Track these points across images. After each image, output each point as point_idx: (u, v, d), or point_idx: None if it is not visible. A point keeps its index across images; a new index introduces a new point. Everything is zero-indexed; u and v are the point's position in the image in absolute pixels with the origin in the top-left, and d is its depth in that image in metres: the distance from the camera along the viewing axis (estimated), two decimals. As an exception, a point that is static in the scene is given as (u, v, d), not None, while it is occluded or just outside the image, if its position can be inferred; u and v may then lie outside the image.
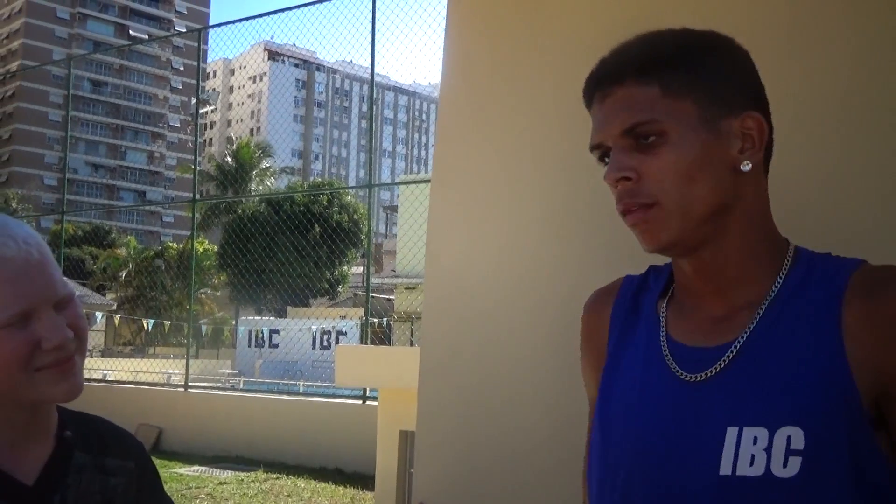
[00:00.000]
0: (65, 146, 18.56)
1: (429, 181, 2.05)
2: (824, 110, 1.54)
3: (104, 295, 35.60)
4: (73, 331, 1.14)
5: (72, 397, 1.17)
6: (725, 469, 0.99)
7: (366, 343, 11.80)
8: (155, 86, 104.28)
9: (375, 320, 17.18)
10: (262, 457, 10.52)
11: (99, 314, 25.21)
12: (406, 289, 19.98)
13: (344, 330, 21.02)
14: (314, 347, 21.60)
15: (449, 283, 1.93)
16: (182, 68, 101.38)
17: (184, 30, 79.36)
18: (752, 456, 0.98)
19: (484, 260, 1.85)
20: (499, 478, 1.77)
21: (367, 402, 10.09)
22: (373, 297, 14.28)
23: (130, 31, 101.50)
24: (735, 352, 1.05)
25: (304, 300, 29.51)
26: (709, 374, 1.05)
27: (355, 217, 36.79)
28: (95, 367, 17.26)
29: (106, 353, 26.28)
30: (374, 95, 12.87)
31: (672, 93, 1.04)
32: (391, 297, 23.21)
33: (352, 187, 62.24)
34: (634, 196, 1.05)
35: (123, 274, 37.90)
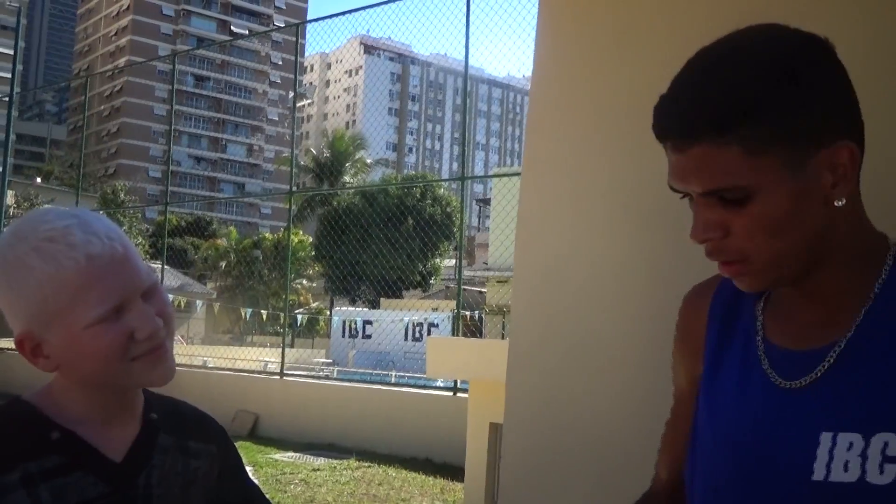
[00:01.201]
0: (169, 139, 19.20)
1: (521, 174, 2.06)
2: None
3: (205, 284, 36.68)
4: (161, 318, 1.18)
5: (166, 381, 1.21)
6: (819, 475, 0.97)
7: (457, 335, 11.85)
8: (255, 80, 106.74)
9: (467, 313, 17.23)
10: (355, 445, 10.69)
11: (200, 302, 26.00)
12: (498, 282, 19.99)
13: (436, 322, 21.14)
14: (406, 339, 21.79)
15: (538, 277, 1.93)
16: (281, 63, 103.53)
17: (282, 25, 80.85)
18: (847, 462, 0.96)
19: (573, 253, 1.85)
20: (585, 470, 1.77)
21: (458, 394, 10.13)
22: (465, 289, 14.33)
23: (232, 27, 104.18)
24: (833, 357, 1.01)
25: (397, 292, 29.83)
26: (806, 382, 1.02)
27: (448, 210, 36.98)
28: (196, 354, 17.79)
29: (206, 341, 27.06)
30: (468, 88, 12.89)
31: (755, 150, 0.96)
32: (483, 289, 23.26)
33: (445, 180, 62.60)
34: (723, 253, 1.02)
35: (223, 264, 38.94)
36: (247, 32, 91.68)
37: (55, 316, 1.12)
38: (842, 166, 0.98)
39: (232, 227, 51.56)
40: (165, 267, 17.22)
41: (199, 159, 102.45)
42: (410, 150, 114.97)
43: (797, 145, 0.96)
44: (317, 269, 37.81)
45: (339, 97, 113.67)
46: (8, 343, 16.52)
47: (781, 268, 1.01)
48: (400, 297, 29.57)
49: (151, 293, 1.18)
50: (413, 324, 21.87)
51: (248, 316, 26.04)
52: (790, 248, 0.99)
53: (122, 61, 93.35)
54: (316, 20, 24.36)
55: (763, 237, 0.98)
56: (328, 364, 21.32)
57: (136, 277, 1.16)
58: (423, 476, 9.28)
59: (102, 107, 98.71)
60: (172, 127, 18.82)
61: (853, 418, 0.97)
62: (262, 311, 26.93)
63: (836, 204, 0.98)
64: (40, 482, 1.12)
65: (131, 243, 1.19)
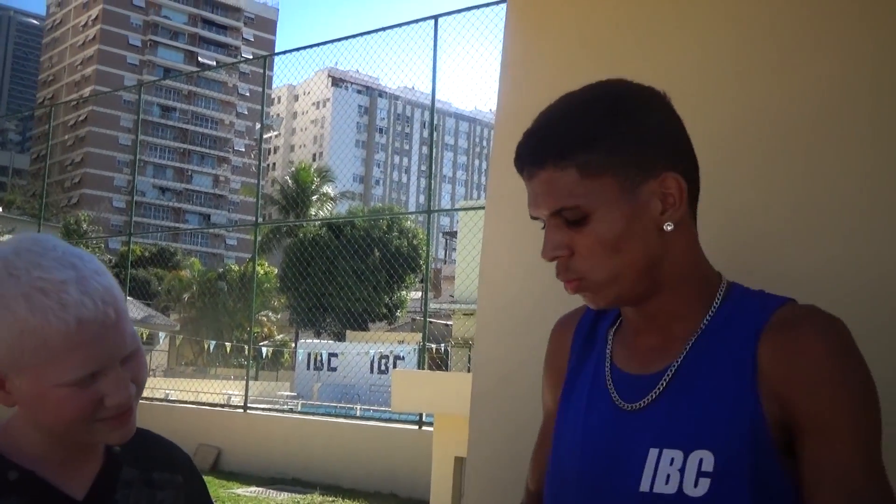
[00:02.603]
0: (133, 169, 19.04)
1: (484, 208, 2.07)
2: (793, 143, 1.52)
3: (168, 315, 36.27)
4: (134, 384, 1.15)
5: (124, 441, 1.19)
6: (645, 486, 1.09)
7: (423, 368, 11.81)
8: (221, 111, 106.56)
9: (433, 346, 17.20)
10: (319, 479, 10.58)
11: (162, 334, 25.68)
12: (464, 314, 20.00)
13: (402, 354, 21.07)
14: (372, 371, 21.69)
15: (501, 310, 1.93)
16: (248, 94, 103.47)
17: (250, 56, 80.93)
18: (668, 475, 1.07)
19: (536, 288, 1.86)
20: (548, 506, 1.77)
21: (423, 428, 10.09)
22: (431, 322, 14.31)
23: (199, 58, 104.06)
24: (665, 381, 1.13)
25: (362, 324, 29.73)
26: (643, 404, 1.14)
27: (415, 242, 37.02)
28: (158, 387, 17.56)
29: (168, 373, 26.71)
30: (435, 121, 12.97)
31: (590, 173, 1.10)
32: (449, 322, 23.25)
33: (411, 213, 62.61)
34: (567, 271, 1.14)
35: (187, 296, 38.59)
36: (214, 63, 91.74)
37: (27, 367, 1.08)
38: (670, 195, 1.12)
39: (194, 259, 51.13)
40: (128, 298, 17.02)
41: (164, 190, 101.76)
42: (377, 182, 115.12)
43: (627, 173, 1.10)
44: (282, 300, 37.58)
45: (306, 129, 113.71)
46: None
47: (619, 285, 1.13)
48: (366, 329, 29.47)
49: (131, 358, 1.15)
50: (379, 356, 21.78)
51: (211, 348, 25.76)
52: (626, 267, 1.12)
53: (87, 91, 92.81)
54: (284, 52, 24.45)
55: (602, 254, 1.11)
56: (293, 397, 21.12)
57: (120, 345, 1.12)
58: (388, 511, 9.20)
59: (66, 136, 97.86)
60: (137, 157, 18.65)
61: (676, 437, 1.09)
62: (226, 343, 26.65)
63: (665, 228, 1.12)
64: None
65: (125, 305, 1.15)
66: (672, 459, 1.07)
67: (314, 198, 44.70)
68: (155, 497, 1.27)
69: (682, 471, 1.06)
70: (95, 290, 1.10)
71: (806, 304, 1.13)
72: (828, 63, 1.56)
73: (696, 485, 1.05)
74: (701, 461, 1.06)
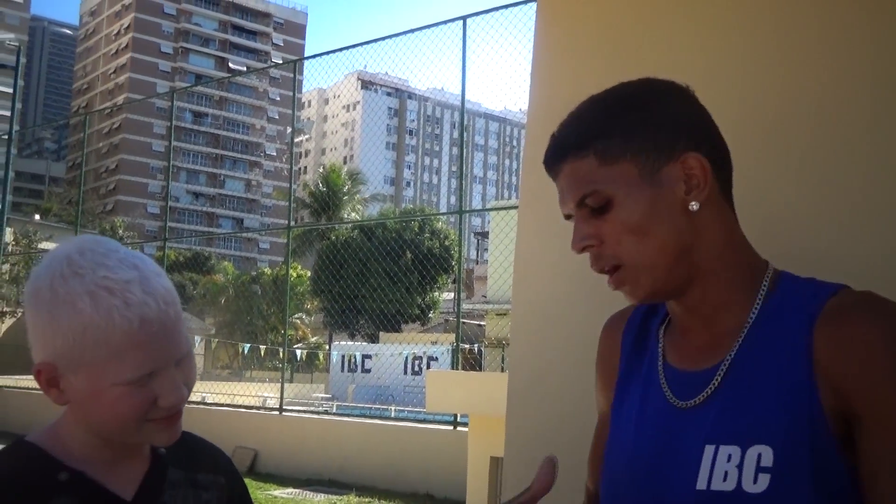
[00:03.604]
0: (167, 175, 19.24)
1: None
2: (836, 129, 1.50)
3: (203, 320, 36.60)
4: (185, 386, 1.17)
5: (171, 442, 1.21)
6: (702, 484, 1.07)
7: (457, 369, 11.82)
8: (253, 116, 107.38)
9: (466, 346, 17.20)
10: (354, 481, 10.62)
11: (198, 338, 25.93)
12: (497, 315, 19.96)
13: (435, 355, 21.09)
14: (406, 372, 21.73)
15: (535, 309, 1.94)
16: (278, 99, 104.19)
17: (280, 62, 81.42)
18: (726, 472, 1.05)
19: (570, 286, 1.86)
20: (586, 504, 1.77)
21: (458, 428, 10.10)
22: (464, 322, 14.31)
23: (230, 64, 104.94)
24: (720, 377, 1.12)
25: (395, 325, 29.79)
26: (697, 402, 1.13)
27: (446, 243, 36.99)
28: (195, 390, 17.65)
29: (204, 377, 26.94)
30: (465, 122, 12.98)
31: (608, 160, 1.12)
32: (482, 322, 23.22)
33: (443, 213, 62.71)
34: (600, 261, 1.15)
35: (222, 299, 38.91)
36: (244, 69, 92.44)
37: (86, 364, 1.10)
38: (693, 175, 1.12)
39: (228, 263, 51.51)
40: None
41: (197, 195, 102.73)
42: (408, 183, 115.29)
43: (646, 157, 1.12)
44: (315, 303, 37.76)
45: (336, 132, 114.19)
46: (5, 381, 16.47)
47: (654, 273, 1.12)
48: (399, 330, 29.52)
49: (184, 359, 1.17)
50: (412, 357, 21.82)
51: (246, 351, 25.96)
52: (657, 252, 1.12)
53: (120, 98, 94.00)
54: (313, 56, 24.56)
55: (630, 240, 1.12)
56: (327, 399, 21.24)
57: (176, 346, 1.15)
58: (424, 511, 9.22)
59: (101, 144, 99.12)
60: (171, 163, 18.87)
61: (733, 432, 1.07)
62: (261, 346, 26.85)
63: (691, 208, 1.11)
64: None
65: (180, 308, 1.17)
66: (729, 455, 1.06)
67: (346, 199, 44.88)
68: (200, 497, 1.29)
69: (740, 467, 1.04)
70: (157, 290, 1.12)
71: (861, 290, 1.10)
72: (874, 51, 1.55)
73: (755, 481, 1.03)
74: (759, 456, 1.04)
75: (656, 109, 1.14)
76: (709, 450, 1.07)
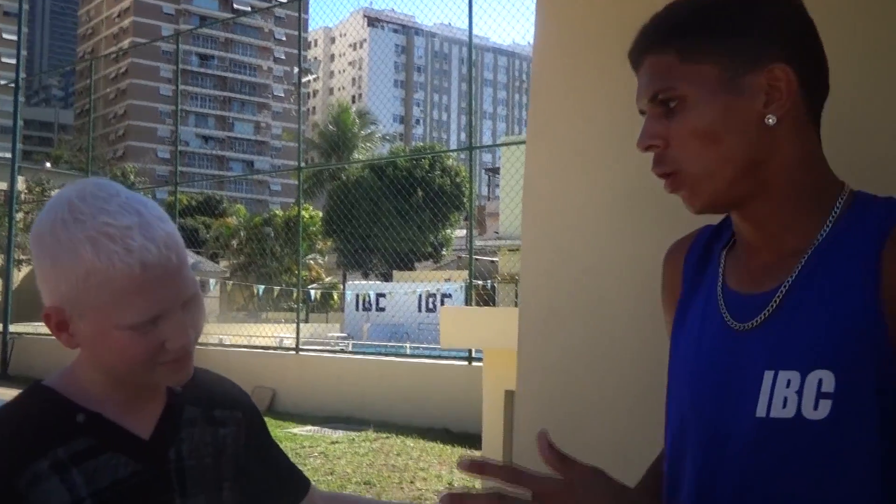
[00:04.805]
0: (176, 120, 19.13)
1: (525, 142, 2.06)
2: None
3: (217, 262, 36.79)
4: (193, 329, 1.18)
5: (182, 383, 1.22)
6: (761, 411, 1.02)
7: (470, 305, 11.88)
8: (259, 57, 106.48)
9: (480, 282, 17.25)
10: (372, 417, 10.76)
11: (213, 281, 26.11)
12: (510, 250, 20.00)
13: (449, 292, 21.18)
14: (420, 310, 21.85)
15: (546, 245, 1.94)
16: (284, 39, 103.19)
17: (285, 0, 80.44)
18: (785, 398, 1.01)
19: (579, 217, 1.85)
20: (599, 435, 1.79)
21: (473, 363, 10.18)
22: (476, 259, 14.34)
23: (234, 4, 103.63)
24: (779, 299, 1.06)
25: (409, 264, 29.85)
26: (755, 323, 1.07)
27: (458, 180, 36.89)
28: (212, 333, 17.88)
29: (221, 319, 27.19)
30: (474, 57, 12.82)
31: (689, 58, 1.06)
32: (495, 258, 23.27)
33: (453, 150, 62.36)
34: (662, 163, 1.10)
35: (235, 242, 39.02)
36: (249, 9, 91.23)
37: (92, 309, 1.12)
38: (777, 87, 1.04)
39: (240, 206, 51.58)
40: (178, 247, 17.19)
41: (206, 138, 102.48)
42: (418, 121, 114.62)
43: (731, 60, 1.05)
44: (328, 243, 37.85)
45: (344, 71, 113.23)
46: (24, 328, 16.66)
47: (715, 181, 1.07)
48: (412, 269, 29.60)
49: (191, 303, 1.17)
50: (426, 295, 21.92)
51: (261, 293, 26.12)
52: (724, 162, 1.06)
53: (125, 43, 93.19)
54: (318, -6, 24.16)
55: (696, 145, 1.06)
56: (343, 338, 21.42)
57: (181, 289, 1.15)
58: (441, 445, 9.35)
59: (108, 89, 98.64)
60: (179, 107, 18.76)
61: (792, 357, 1.02)
62: (276, 287, 27.00)
63: (767, 121, 1.04)
64: (71, 466, 1.13)
65: (185, 251, 1.17)
66: (789, 381, 1.01)
67: (356, 139, 44.67)
68: (218, 433, 1.30)
69: (799, 393, 1.00)
70: (159, 235, 1.12)
71: None
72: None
73: (815, 407, 0.98)
74: (820, 381, 0.99)
75: (753, 13, 1.07)
76: (768, 375, 1.03)
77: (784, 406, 1.01)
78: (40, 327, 15.76)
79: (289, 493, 1.44)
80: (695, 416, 1.11)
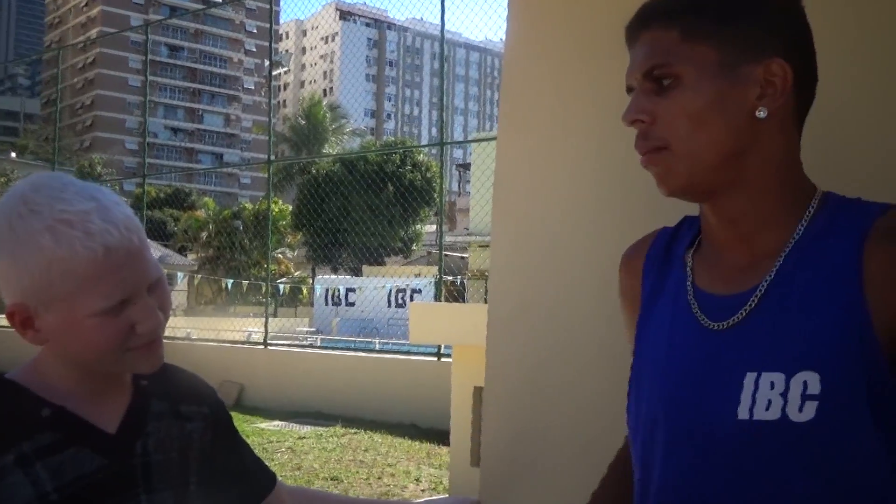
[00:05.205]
0: (144, 111, 18.96)
1: (496, 138, 2.06)
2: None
3: (185, 256, 36.50)
4: (161, 312, 1.17)
5: (154, 369, 1.21)
6: (743, 413, 1.01)
7: (440, 301, 11.88)
8: (230, 49, 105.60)
9: (449, 278, 17.28)
10: (340, 412, 10.73)
11: (181, 274, 25.89)
12: (480, 246, 20.03)
13: (418, 288, 21.18)
14: (389, 305, 21.83)
15: (515, 240, 1.93)
16: (255, 31, 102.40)
17: (256, -8, 79.91)
18: (769, 401, 1.00)
19: (550, 216, 1.85)
20: (565, 432, 1.79)
21: (442, 359, 10.19)
22: (446, 255, 14.34)
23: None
24: (756, 299, 1.06)
25: (378, 259, 29.82)
26: (731, 323, 1.07)
27: (428, 175, 36.87)
28: (179, 326, 17.75)
29: (189, 312, 26.99)
30: (446, 53, 12.81)
31: (692, 37, 1.06)
32: (465, 255, 23.31)
33: (424, 146, 62.34)
34: (647, 138, 1.08)
35: (204, 235, 38.73)
36: (220, 0, 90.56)
37: (58, 299, 1.10)
38: (772, 82, 1.05)
39: (209, 199, 51.19)
40: (145, 239, 17.06)
41: (175, 130, 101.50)
42: (389, 116, 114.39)
43: (733, 47, 1.05)
44: (298, 238, 37.69)
45: (315, 64, 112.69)
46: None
47: (695, 164, 1.06)
48: (382, 264, 29.57)
49: (156, 286, 1.17)
50: (396, 290, 21.89)
51: (229, 286, 25.96)
52: (708, 146, 1.05)
53: (93, 32, 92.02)
54: (290, -14, 24.06)
55: (684, 126, 1.05)
56: (312, 333, 21.34)
57: (145, 272, 1.14)
58: (409, 441, 9.34)
59: (76, 79, 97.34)
60: (147, 98, 18.57)
61: (775, 358, 1.01)
62: (244, 281, 26.84)
63: (757, 114, 1.04)
64: (36, 461, 1.11)
65: (144, 234, 1.17)
66: (772, 383, 1.00)
67: (327, 133, 44.50)
68: (185, 428, 1.30)
69: (784, 395, 0.99)
70: (118, 217, 1.12)
71: None
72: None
73: (801, 409, 0.98)
74: (806, 383, 0.98)
75: (760, 5, 1.07)
76: (750, 377, 1.02)
77: (768, 408, 1.00)
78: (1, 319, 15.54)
79: (255, 489, 1.44)
80: (669, 415, 1.10)
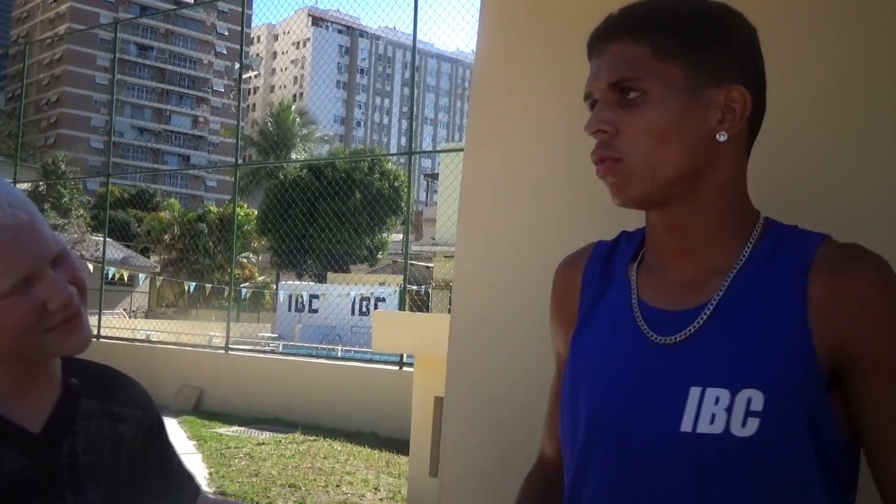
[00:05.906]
0: (111, 109, 18.74)
1: (464, 149, 2.07)
2: (814, 92, 1.52)
3: (148, 257, 36.14)
4: (73, 285, 1.13)
5: (82, 349, 1.17)
6: (686, 426, 1.04)
7: (404, 310, 11.87)
8: (200, 50, 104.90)
9: (414, 287, 17.27)
10: (300, 419, 10.68)
11: (142, 276, 25.63)
12: (445, 257, 20.04)
13: (383, 296, 21.16)
14: (353, 313, 21.79)
15: (479, 251, 1.94)
16: (226, 33, 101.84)
17: (229, -6, 79.46)
18: (713, 415, 1.03)
19: (514, 229, 1.86)
20: (522, 443, 1.80)
21: (404, 368, 10.18)
22: (412, 264, 14.34)
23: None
24: (705, 317, 1.09)
25: (343, 266, 29.72)
26: (679, 338, 1.09)
27: (396, 184, 36.87)
28: (139, 328, 17.56)
29: (149, 315, 26.72)
30: (417, 62, 12.84)
31: (661, 55, 1.08)
32: (430, 264, 23.30)
33: (393, 154, 62.28)
34: (606, 148, 1.10)
35: (167, 237, 38.38)
36: (192, 1, 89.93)
37: None
38: (732, 107, 1.09)
39: (174, 200, 50.73)
40: (108, 239, 16.94)
41: (142, 130, 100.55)
42: (359, 123, 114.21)
43: (699, 69, 1.08)
44: (262, 242, 37.48)
45: (286, 69, 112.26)
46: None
47: (653, 179, 1.09)
48: (347, 271, 29.47)
49: (61, 260, 1.13)
50: (360, 298, 21.86)
51: (191, 289, 25.74)
52: (666, 162, 1.08)
53: (62, 28, 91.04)
54: (262, -10, 23.95)
55: (645, 141, 1.08)
56: (274, 338, 21.24)
57: (43, 245, 1.11)
58: (369, 450, 9.32)
59: (42, 75, 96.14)
60: (115, 97, 18.39)
61: (722, 375, 1.04)
62: (207, 284, 26.62)
63: (718, 138, 1.08)
64: None
65: (36, 209, 1.13)
66: (717, 398, 1.03)
67: (295, 139, 44.33)
68: (116, 430, 1.25)
69: (728, 410, 1.02)
70: (1, 196, 1.09)
71: (849, 242, 1.09)
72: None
73: (744, 424, 1.01)
74: (750, 400, 1.01)
75: (728, 32, 1.10)
76: (694, 392, 1.04)
77: (712, 422, 1.03)
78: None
79: (180, 496, 1.39)
80: (610, 425, 1.11)
